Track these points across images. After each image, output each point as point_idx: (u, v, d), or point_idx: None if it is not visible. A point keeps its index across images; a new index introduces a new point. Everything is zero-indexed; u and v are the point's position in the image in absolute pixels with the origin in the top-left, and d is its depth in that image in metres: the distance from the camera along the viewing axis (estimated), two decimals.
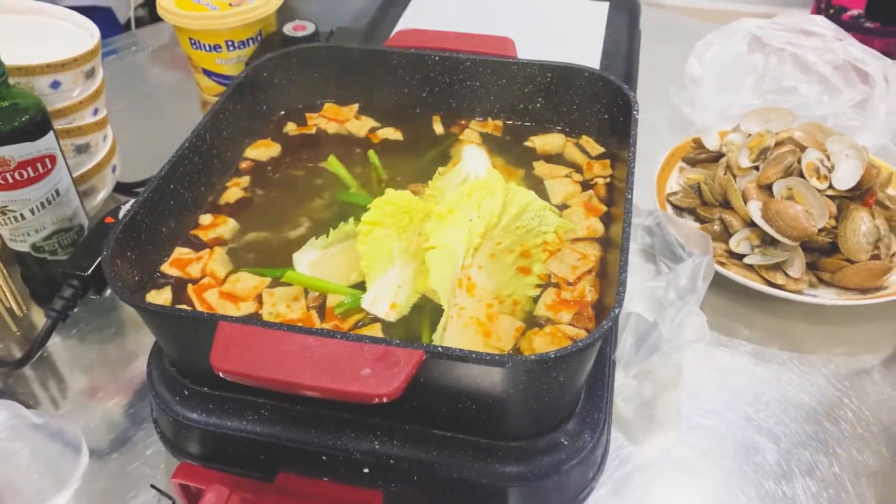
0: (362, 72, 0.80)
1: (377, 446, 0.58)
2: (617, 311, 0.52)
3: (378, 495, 0.58)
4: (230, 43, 1.06)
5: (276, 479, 0.58)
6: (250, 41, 1.08)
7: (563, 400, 0.57)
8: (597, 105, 0.75)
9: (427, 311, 0.61)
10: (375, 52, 0.79)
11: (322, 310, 0.61)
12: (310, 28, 1.07)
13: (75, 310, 0.71)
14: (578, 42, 1.07)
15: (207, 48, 1.07)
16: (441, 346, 0.50)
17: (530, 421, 0.57)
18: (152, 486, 0.66)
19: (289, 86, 0.80)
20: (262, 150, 0.76)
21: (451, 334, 0.59)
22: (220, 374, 0.49)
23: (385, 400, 0.48)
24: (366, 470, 0.58)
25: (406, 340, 0.59)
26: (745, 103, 1.04)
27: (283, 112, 0.82)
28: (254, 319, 0.60)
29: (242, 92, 0.75)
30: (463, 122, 0.81)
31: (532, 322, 0.61)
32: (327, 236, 0.66)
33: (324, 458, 0.59)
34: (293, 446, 0.59)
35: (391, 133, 0.80)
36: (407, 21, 1.11)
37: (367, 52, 0.79)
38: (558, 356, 0.49)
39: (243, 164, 0.75)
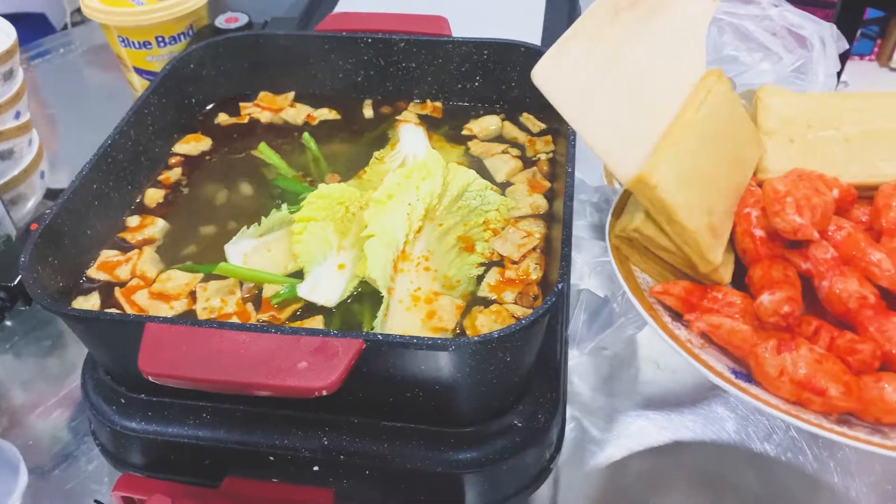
0: (294, 59, 0.78)
1: (326, 442, 0.56)
2: (561, 286, 0.50)
3: (329, 493, 0.56)
4: (160, 39, 1.03)
5: (221, 484, 0.56)
6: (181, 36, 1.04)
7: (512, 381, 0.55)
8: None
9: (368, 298, 0.59)
10: (305, 37, 0.76)
11: (258, 301, 0.59)
12: (242, 19, 1.03)
13: (7, 322, 0.68)
14: (519, 20, 1.05)
15: (137, 45, 1.03)
16: (381, 334, 0.48)
17: (480, 405, 0.55)
18: (95, 501, 0.63)
19: (218, 77, 0.77)
20: (193, 145, 0.74)
21: (394, 319, 0.57)
22: (150, 379, 0.47)
23: (325, 393, 0.46)
24: (316, 468, 0.57)
25: (344, 330, 0.58)
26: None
27: (213, 104, 0.79)
28: (184, 318, 0.57)
29: (167, 86, 0.72)
30: (401, 104, 0.79)
31: (476, 302, 0.59)
32: (259, 224, 0.64)
33: (271, 458, 0.57)
34: (238, 449, 0.57)
35: (327, 114, 0.78)
36: (344, 7, 1.08)
37: (295, 38, 0.76)
38: (502, 336, 0.47)
39: (173, 160, 0.72)
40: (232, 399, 0.57)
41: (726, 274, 0.53)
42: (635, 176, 0.50)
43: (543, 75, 0.52)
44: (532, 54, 0.73)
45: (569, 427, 0.67)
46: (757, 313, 0.48)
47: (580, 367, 0.75)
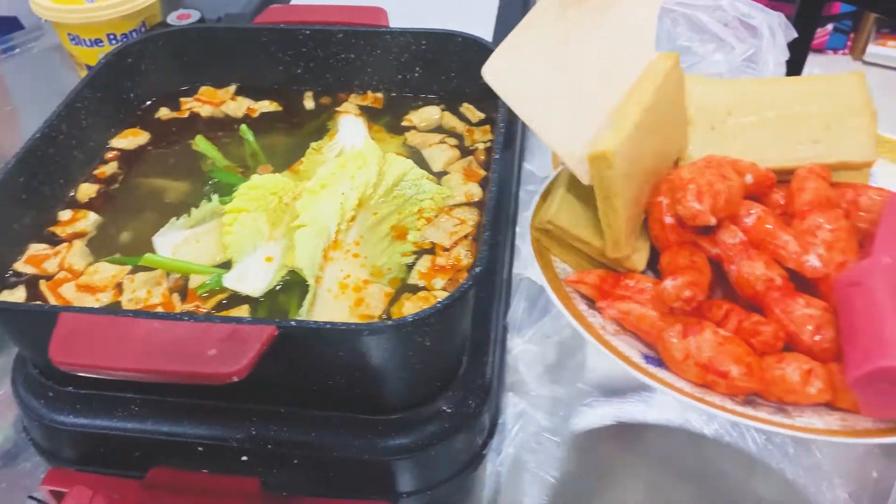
0: (234, 52, 0.78)
1: (254, 432, 0.56)
2: (478, 270, 0.50)
3: (255, 482, 0.56)
4: (112, 36, 1.02)
5: (146, 474, 0.56)
6: (134, 33, 1.03)
7: (438, 366, 0.56)
8: (474, 70, 0.74)
9: (297, 287, 0.59)
10: (243, 30, 0.76)
11: (184, 292, 0.59)
12: (195, 16, 1.03)
13: None
14: (473, 11, 1.05)
15: (88, 43, 1.02)
16: (294, 320, 0.48)
17: (406, 391, 0.55)
18: (30, 497, 0.62)
19: (158, 71, 0.77)
20: (131, 139, 0.73)
21: (320, 308, 0.57)
22: (62, 368, 0.46)
23: (235, 378, 0.46)
24: (244, 457, 0.56)
25: (258, 318, 0.58)
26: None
27: (154, 98, 0.78)
28: (102, 308, 0.57)
29: (102, 81, 0.71)
30: (342, 95, 0.79)
31: (406, 289, 0.59)
32: (189, 216, 0.63)
33: (200, 448, 0.57)
34: (167, 440, 0.57)
35: (268, 106, 0.78)
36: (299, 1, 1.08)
37: (234, 31, 0.76)
38: (416, 319, 0.47)
39: (109, 154, 0.72)
40: (160, 390, 0.57)
41: (640, 261, 0.53)
42: (599, 150, 0.49)
43: (493, 72, 0.51)
44: (469, 44, 0.74)
45: (514, 414, 0.67)
46: (661, 298, 0.48)
47: (526, 354, 0.74)
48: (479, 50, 0.73)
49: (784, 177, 0.56)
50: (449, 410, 0.57)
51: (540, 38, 0.53)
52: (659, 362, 0.49)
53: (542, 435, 0.68)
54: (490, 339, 0.62)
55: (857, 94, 0.58)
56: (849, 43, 2.83)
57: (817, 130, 0.57)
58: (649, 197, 0.53)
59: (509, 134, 0.78)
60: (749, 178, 0.53)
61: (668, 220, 0.50)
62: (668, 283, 0.48)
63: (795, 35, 1.01)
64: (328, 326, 0.47)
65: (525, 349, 0.75)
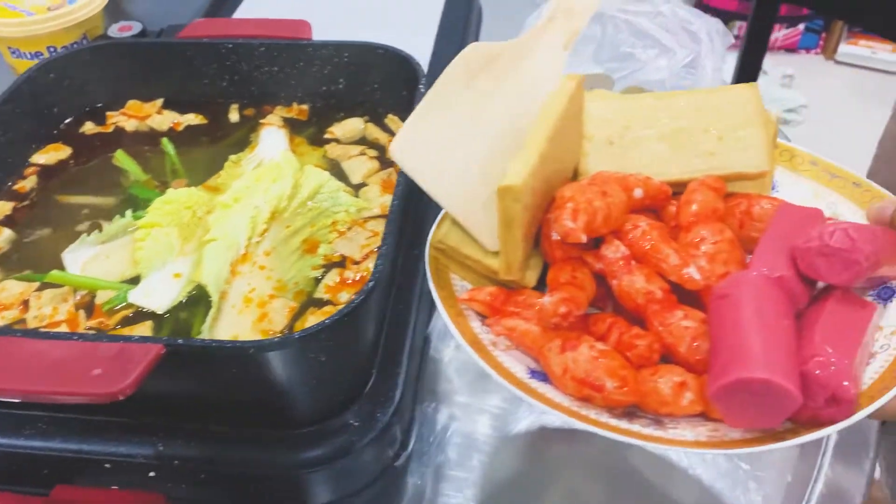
0: (160, 67, 0.78)
1: (161, 449, 0.56)
2: (371, 285, 0.51)
3: (161, 498, 0.56)
4: (52, 49, 1.02)
5: (50, 492, 0.56)
6: (74, 45, 1.03)
7: (339, 381, 0.56)
8: (396, 81, 0.74)
9: (203, 302, 0.59)
10: (167, 45, 0.77)
11: (91, 308, 0.59)
12: (136, 28, 1.03)
13: None
14: (416, 22, 1.06)
15: (29, 56, 1.02)
16: (181, 339, 0.48)
17: (309, 405, 0.55)
18: None
19: (82, 86, 0.77)
20: (52, 154, 0.73)
21: (223, 323, 0.57)
22: None
23: (120, 397, 0.46)
24: (151, 473, 0.56)
25: (173, 335, 0.58)
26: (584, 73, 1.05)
27: (78, 113, 0.79)
28: (10, 328, 0.57)
29: (22, 96, 0.71)
30: (268, 107, 0.79)
31: (312, 304, 0.60)
32: (100, 231, 0.64)
33: (107, 465, 0.57)
34: (74, 457, 0.57)
35: (193, 119, 0.78)
36: (243, 13, 1.08)
37: (158, 45, 0.77)
38: (303, 336, 0.48)
39: (29, 170, 0.72)
40: (67, 408, 0.57)
41: (532, 278, 0.54)
42: (506, 184, 0.49)
43: (401, 150, 0.51)
44: (391, 56, 0.74)
45: (442, 422, 0.68)
46: (540, 315, 0.49)
47: (456, 362, 0.75)
48: (400, 62, 0.73)
49: (682, 189, 0.56)
50: (356, 423, 0.57)
51: (447, 112, 0.53)
52: (544, 377, 0.50)
53: (471, 442, 0.68)
54: (403, 351, 0.62)
55: (752, 106, 0.58)
56: (821, 42, 2.85)
57: (712, 142, 0.57)
58: (543, 214, 0.54)
59: None
60: (638, 193, 0.53)
61: (555, 236, 0.51)
62: (546, 300, 0.48)
63: (733, 41, 1.02)
64: (214, 345, 0.48)
65: (455, 357, 0.75)
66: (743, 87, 0.59)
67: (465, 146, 0.54)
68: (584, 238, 0.47)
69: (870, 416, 0.45)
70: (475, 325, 0.53)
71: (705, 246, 0.51)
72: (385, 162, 0.73)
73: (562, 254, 0.51)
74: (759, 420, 0.43)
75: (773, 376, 0.41)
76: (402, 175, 0.59)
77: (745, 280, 0.46)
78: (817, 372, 0.42)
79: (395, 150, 0.50)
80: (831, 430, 0.43)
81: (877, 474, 0.94)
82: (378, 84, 0.77)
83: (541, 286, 0.54)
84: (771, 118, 0.59)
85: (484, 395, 0.73)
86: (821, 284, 0.50)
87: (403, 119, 0.76)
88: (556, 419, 0.69)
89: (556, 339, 0.48)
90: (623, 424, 0.45)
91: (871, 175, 1.00)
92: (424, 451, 0.67)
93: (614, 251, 0.50)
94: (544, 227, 0.53)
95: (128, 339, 0.48)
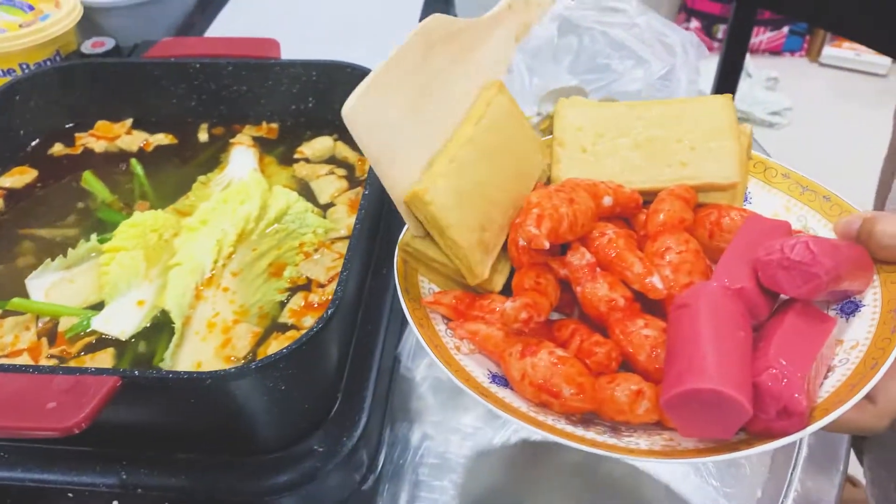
0: (127, 86, 0.77)
1: (125, 477, 0.56)
2: (329, 312, 0.51)
3: None
4: (25, 66, 1.01)
5: None
6: (48, 62, 1.03)
7: (302, 407, 0.55)
8: None
9: (168, 328, 0.59)
10: (134, 64, 0.76)
11: (54, 335, 0.58)
12: (109, 44, 1.02)
13: None
14: (391, 37, 1.05)
15: (1, 73, 1.01)
16: (138, 370, 0.48)
17: (273, 432, 0.55)
18: None
19: (48, 107, 0.77)
20: (17, 178, 0.73)
21: (189, 349, 0.57)
22: None
23: (75, 431, 0.45)
24: (115, 502, 0.56)
25: (135, 362, 0.57)
26: (560, 86, 1.05)
27: (45, 134, 0.78)
28: None
29: None
30: (237, 126, 0.79)
31: (277, 328, 0.59)
32: (65, 256, 0.63)
33: (70, 494, 0.56)
34: (36, 486, 0.56)
35: (163, 139, 0.78)
36: (217, 29, 1.08)
37: (124, 65, 0.76)
38: (259, 366, 0.48)
39: None
40: (28, 438, 0.57)
41: (498, 282, 0.54)
42: (411, 191, 0.50)
43: (352, 113, 0.49)
44: (359, 74, 0.74)
45: (415, 441, 0.67)
46: (502, 320, 0.49)
47: (428, 381, 0.75)
48: None
49: (653, 198, 0.56)
50: (321, 449, 0.57)
51: (403, 79, 0.52)
52: (505, 382, 0.50)
53: (444, 462, 0.68)
54: (370, 374, 0.62)
55: (725, 117, 0.59)
56: (805, 45, 2.86)
57: (684, 152, 0.58)
58: (511, 219, 0.54)
59: None
60: (608, 201, 0.53)
61: (522, 241, 0.51)
62: (508, 305, 0.48)
63: (707, 55, 1.02)
64: (170, 376, 0.47)
65: (428, 375, 0.75)
66: (717, 99, 0.59)
67: (413, 117, 0.53)
68: (546, 245, 0.48)
69: (825, 429, 0.46)
70: (440, 328, 0.53)
71: (670, 255, 0.51)
72: (354, 181, 0.73)
73: (528, 259, 0.51)
74: (711, 430, 0.43)
75: (724, 387, 0.41)
76: (366, 197, 0.59)
77: (705, 291, 0.46)
78: (769, 384, 0.42)
79: (347, 111, 0.49)
80: (784, 442, 0.43)
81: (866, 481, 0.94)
82: None
83: (507, 291, 0.54)
84: (745, 130, 0.59)
85: (457, 413, 0.72)
86: (783, 297, 0.50)
87: None
88: (530, 434, 0.69)
89: (517, 345, 0.49)
90: (579, 431, 0.45)
91: (881, 186, 1.00)
92: (397, 471, 0.67)
93: (579, 258, 0.50)
94: (511, 231, 0.53)
95: (83, 370, 0.47)
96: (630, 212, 0.57)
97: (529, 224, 0.48)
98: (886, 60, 2.71)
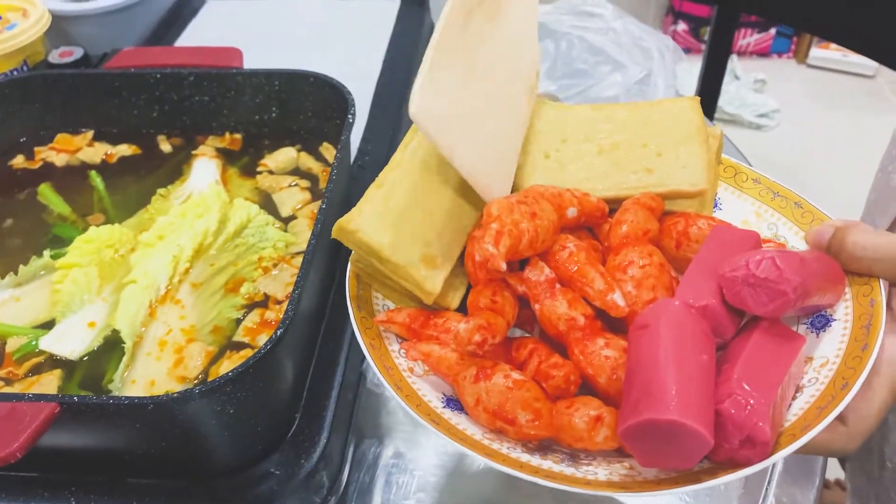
0: (88, 98, 0.76)
1: (74, 502, 0.54)
2: (279, 333, 0.49)
3: None
4: None
5: None
6: (14, 72, 1.01)
7: (256, 429, 0.54)
8: (329, 109, 0.73)
9: (118, 347, 0.57)
10: (94, 75, 0.75)
11: (0, 355, 0.57)
12: (77, 53, 1.00)
13: None
14: (365, 44, 1.04)
15: None
16: (77, 396, 0.47)
17: (226, 456, 0.54)
18: None
19: (6, 119, 0.75)
20: None
21: (138, 369, 0.55)
22: None
23: (11, 461, 0.44)
24: None
25: (85, 383, 0.56)
26: (538, 92, 1.04)
27: (3, 147, 0.76)
28: None
29: None
30: (200, 137, 0.77)
31: (232, 346, 0.58)
32: (15, 274, 0.61)
33: None
34: None
35: (126, 150, 0.76)
36: (188, 38, 1.06)
37: (84, 76, 0.74)
38: (202, 391, 0.46)
39: None
40: None
41: (454, 299, 0.52)
42: (336, 225, 0.49)
43: (420, 110, 0.46)
44: (321, 84, 0.72)
45: (387, 458, 0.66)
46: (455, 342, 0.47)
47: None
48: (331, 90, 0.71)
49: (619, 205, 0.54)
50: (277, 472, 0.55)
51: (453, 60, 0.49)
52: (460, 406, 0.48)
53: (414, 479, 0.66)
54: (331, 393, 0.60)
55: (692, 119, 0.56)
56: (792, 46, 2.86)
57: (651, 158, 0.55)
58: (467, 229, 0.52)
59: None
60: (572, 212, 0.51)
61: (479, 256, 0.49)
62: (461, 326, 0.46)
63: (684, 59, 1.01)
64: (111, 401, 0.45)
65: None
66: (684, 101, 0.57)
67: (472, 99, 0.50)
68: (503, 266, 0.45)
69: (794, 453, 0.44)
70: (393, 348, 0.51)
71: (633, 270, 0.49)
72: (317, 193, 0.71)
73: (485, 275, 0.49)
74: (672, 461, 0.41)
75: (683, 418, 0.39)
76: (323, 211, 0.58)
77: (667, 310, 0.44)
78: (732, 411, 0.41)
79: (415, 113, 0.46)
80: (748, 472, 0.41)
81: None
82: (311, 112, 0.75)
83: (464, 307, 0.52)
84: (714, 132, 0.57)
85: (428, 428, 0.71)
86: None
87: (337, 147, 0.75)
88: None
89: (471, 367, 0.46)
90: (535, 461, 0.43)
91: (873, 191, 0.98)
92: (364, 491, 0.65)
93: (538, 274, 0.48)
94: (469, 244, 0.51)
95: (20, 397, 0.46)
96: (595, 221, 0.55)
97: (487, 242, 0.46)
98: (873, 62, 2.70)
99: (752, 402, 0.41)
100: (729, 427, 0.41)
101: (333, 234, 0.49)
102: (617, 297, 0.48)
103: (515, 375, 0.46)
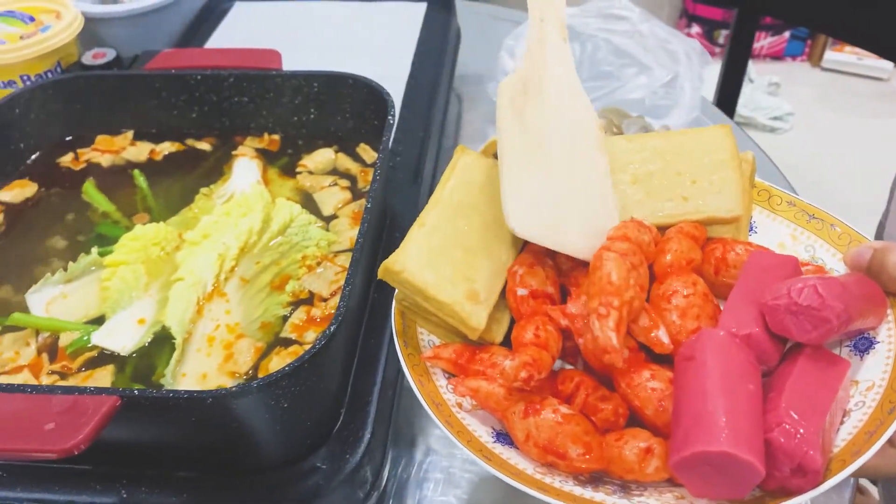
0: (127, 98, 0.77)
1: (125, 496, 0.55)
2: (332, 329, 0.50)
3: None
4: (26, 77, 1.01)
5: None
6: (48, 74, 1.02)
7: (305, 424, 0.55)
8: (367, 111, 0.74)
9: (167, 343, 0.58)
10: (133, 77, 0.76)
11: (54, 350, 0.58)
12: (110, 55, 1.02)
13: None
14: (393, 47, 1.05)
15: (2, 85, 1.01)
16: (137, 389, 0.47)
17: (275, 450, 0.54)
18: None
19: (48, 120, 0.76)
20: (17, 191, 0.72)
21: (190, 364, 0.56)
22: None
23: (74, 453, 0.45)
24: None
25: (136, 377, 0.57)
26: None
27: (45, 148, 0.77)
28: None
29: None
30: (239, 138, 0.78)
31: (280, 343, 0.59)
32: (65, 270, 0.63)
33: None
34: None
35: (170, 147, 0.77)
36: (217, 40, 1.08)
37: (124, 77, 0.76)
38: (261, 385, 0.47)
39: None
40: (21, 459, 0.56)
41: (499, 333, 0.52)
42: (381, 267, 0.51)
43: (518, 221, 0.49)
44: (360, 86, 0.73)
45: (422, 457, 0.67)
46: (502, 379, 0.47)
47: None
48: (370, 91, 0.72)
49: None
50: (324, 467, 0.56)
51: (523, 158, 0.52)
52: (510, 440, 0.48)
53: (449, 477, 0.67)
54: (374, 389, 0.61)
55: (725, 147, 0.57)
56: (806, 49, 2.86)
57: (685, 186, 0.56)
58: (506, 264, 0.53)
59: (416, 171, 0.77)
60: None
61: (522, 291, 0.50)
62: (507, 364, 0.47)
63: (710, 62, 1.01)
64: (171, 395, 0.46)
65: None
66: (716, 129, 0.58)
67: (557, 182, 0.53)
68: (621, 364, 0.45)
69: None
70: (441, 383, 0.51)
71: (677, 299, 0.49)
72: (356, 193, 0.72)
73: (527, 309, 0.50)
74: (723, 491, 0.41)
75: (735, 450, 0.39)
76: (369, 210, 0.59)
77: (712, 339, 0.44)
78: (782, 440, 0.41)
79: (516, 227, 0.49)
80: (800, 500, 0.42)
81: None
82: (349, 114, 0.76)
83: (508, 341, 0.53)
84: (747, 157, 0.58)
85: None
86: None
87: (375, 148, 0.76)
88: None
89: (519, 403, 0.47)
90: (588, 493, 0.44)
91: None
92: (401, 488, 0.66)
93: (580, 307, 0.48)
94: (510, 278, 0.51)
95: (82, 390, 0.47)
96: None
97: (610, 329, 0.44)
98: (888, 64, 2.70)
99: (801, 430, 0.41)
100: (779, 456, 0.41)
101: (380, 276, 0.51)
102: (661, 335, 0.48)
103: (564, 410, 0.46)
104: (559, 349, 0.50)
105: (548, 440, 0.45)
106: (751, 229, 0.59)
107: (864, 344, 0.49)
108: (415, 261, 0.50)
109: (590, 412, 0.47)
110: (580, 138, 0.56)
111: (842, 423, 0.45)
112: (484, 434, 0.48)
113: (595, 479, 0.46)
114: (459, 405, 0.50)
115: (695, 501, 0.43)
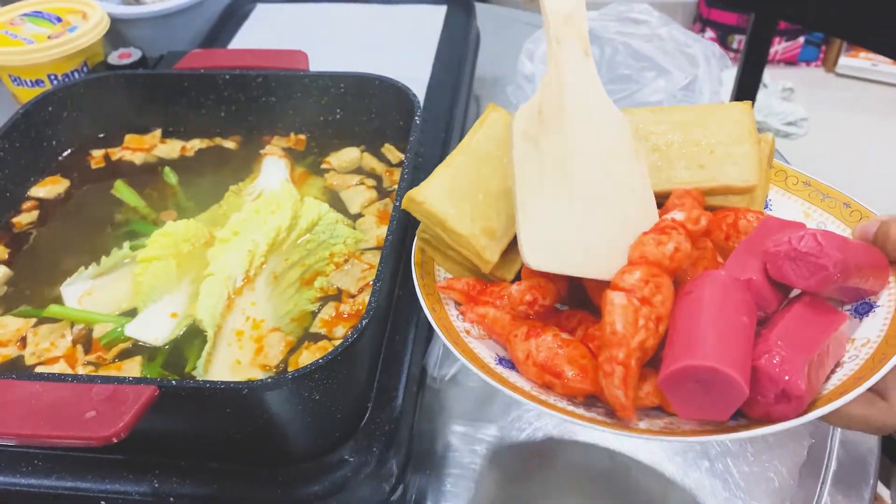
0: (158, 98, 0.78)
1: (157, 485, 0.56)
2: (364, 323, 0.51)
3: None
4: (53, 76, 1.03)
5: None
6: (76, 73, 1.04)
7: (334, 417, 0.56)
8: (393, 112, 0.75)
9: (200, 335, 0.59)
10: (164, 76, 0.77)
11: (89, 342, 0.59)
12: (136, 55, 1.03)
13: None
14: (414, 49, 1.06)
15: (30, 84, 1.03)
16: (175, 379, 0.49)
17: (305, 442, 0.55)
18: None
19: (80, 118, 0.78)
20: (50, 187, 0.74)
21: (221, 357, 0.57)
22: None
23: (114, 440, 0.46)
24: None
25: (168, 369, 0.58)
26: None
27: (76, 145, 0.79)
28: (9, 365, 0.57)
29: (21, 130, 0.72)
30: (266, 137, 0.79)
31: (309, 338, 0.60)
32: (98, 264, 0.64)
33: (102, 503, 0.57)
34: (70, 494, 0.57)
35: (199, 144, 0.79)
36: (240, 40, 1.09)
37: (154, 77, 0.77)
38: (296, 376, 0.48)
39: (27, 204, 0.72)
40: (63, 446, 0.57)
41: (509, 272, 0.55)
42: (405, 196, 0.54)
43: (534, 257, 0.49)
44: (386, 86, 0.74)
45: (441, 452, 0.68)
46: (508, 303, 0.50)
47: (452, 391, 0.75)
48: (396, 92, 0.74)
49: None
50: (352, 459, 0.57)
51: (542, 188, 0.52)
52: (511, 365, 0.51)
53: (468, 473, 0.68)
54: (399, 384, 0.62)
55: (744, 123, 0.59)
56: (821, 55, 2.86)
57: (703, 155, 0.58)
58: None
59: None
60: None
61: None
62: (514, 288, 0.50)
63: (729, 65, 1.02)
64: (208, 386, 0.48)
65: (452, 386, 0.75)
66: (737, 106, 0.60)
67: (578, 209, 0.52)
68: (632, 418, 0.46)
69: (833, 423, 0.46)
70: (452, 312, 0.54)
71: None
72: (382, 192, 0.73)
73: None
74: (708, 411, 0.43)
75: (719, 365, 0.40)
76: (397, 209, 0.60)
77: (712, 279, 0.46)
78: (767, 366, 0.42)
79: (531, 261, 0.49)
80: (783, 427, 0.42)
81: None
82: (374, 114, 0.77)
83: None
84: (767, 138, 0.60)
85: (482, 423, 0.72)
86: (795, 293, 0.50)
87: (400, 149, 0.77)
88: (557, 444, 0.69)
89: (522, 326, 0.50)
90: (580, 411, 0.46)
91: None
92: (422, 482, 0.67)
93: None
94: None
95: (121, 380, 0.48)
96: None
97: (617, 386, 0.44)
98: None
99: (786, 357, 0.42)
100: (764, 381, 0.42)
101: (403, 205, 0.53)
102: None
103: (564, 336, 0.49)
104: (565, 287, 0.52)
105: (546, 359, 0.48)
106: (766, 206, 0.61)
107: (864, 308, 0.51)
108: (437, 194, 0.54)
109: (588, 341, 0.49)
110: (610, 154, 0.55)
111: (833, 372, 0.46)
112: (487, 358, 0.51)
113: (588, 403, 0.48)
114: (468, 332, 0.53)
115: (682, 424, 0.45)
